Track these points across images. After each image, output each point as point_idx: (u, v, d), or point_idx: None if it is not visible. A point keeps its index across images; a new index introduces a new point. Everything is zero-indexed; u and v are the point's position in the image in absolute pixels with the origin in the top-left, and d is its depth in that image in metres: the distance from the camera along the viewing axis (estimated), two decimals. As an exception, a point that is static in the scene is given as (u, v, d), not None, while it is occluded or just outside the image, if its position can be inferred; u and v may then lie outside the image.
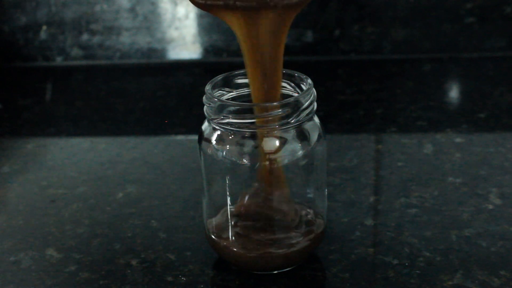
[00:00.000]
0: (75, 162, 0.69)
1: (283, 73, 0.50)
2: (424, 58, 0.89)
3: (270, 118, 0.47)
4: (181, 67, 0.91)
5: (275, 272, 0.50)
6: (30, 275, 0.52)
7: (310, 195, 0.52)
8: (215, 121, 0.48)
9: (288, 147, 0.49)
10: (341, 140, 0.70)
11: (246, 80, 0.50)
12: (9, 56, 0.93)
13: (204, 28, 0.91)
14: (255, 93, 0.49)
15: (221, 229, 0.51)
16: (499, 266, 0.50)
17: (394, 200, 0.59)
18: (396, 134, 0.71)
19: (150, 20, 0.91)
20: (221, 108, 0.47)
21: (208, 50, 0.91)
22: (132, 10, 0.90)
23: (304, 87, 0.49)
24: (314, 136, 0.49)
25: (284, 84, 0.50)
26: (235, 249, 0.50)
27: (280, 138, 0.48)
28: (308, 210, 0.52)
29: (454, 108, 0.79)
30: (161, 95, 0.85)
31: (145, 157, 0.69)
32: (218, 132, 0.48)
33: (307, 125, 0.49)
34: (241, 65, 0.49)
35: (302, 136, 0.49)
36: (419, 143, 0.68)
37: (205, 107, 0.48)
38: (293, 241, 0.49)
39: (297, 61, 0.89)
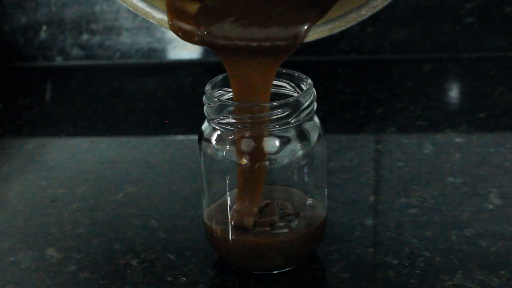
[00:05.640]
0: (75, 162, 0.69)
1: (283, 73, 0.50)
2: (424, 58, 0.89)
3: (270, 118, 0.47)
4: (181, 67, 0.91)
5: (275, 272, 0.50)
6: (30, 275, 0.52)
7: (310, 195, 0.52)
8: (215, 121, 0.48)
9: (288, 147, 0.49)
10: (341, 140, 0.70)
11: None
12: (9, 56, 0.93)
13: (204, 28, 0.90)
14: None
15: (221, 227, 0.51)
16: (499, 266, 0.50)
17: (394, 200, 0.59)
18: (396, 134, 0.71)
19: (150, 20, 0.91)
20: (221, 108, 0.47)
21: (208, 50, 0.91)
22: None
23: (304, 87, 0.49)
24: (314, 136, 0.49)
25: (284, 84, 0.50)
26: (234, 247, 0.50)
27: (280, 138, 0.48)
28: (307, 204, 0.52)
29: (454, 108, 0.79)
30: (161, 95, 0.85)
31: (145, 157, 0.69)
32: (218, 132, 0.48)
33: (307, 125, 0.49)
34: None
35: (302, 136, 0.49)
36: (419, 143, 0.68)
37: (205, 107, 0.48)
38: (293, 235, 0.49)
39: (297, 61, 0.89)
